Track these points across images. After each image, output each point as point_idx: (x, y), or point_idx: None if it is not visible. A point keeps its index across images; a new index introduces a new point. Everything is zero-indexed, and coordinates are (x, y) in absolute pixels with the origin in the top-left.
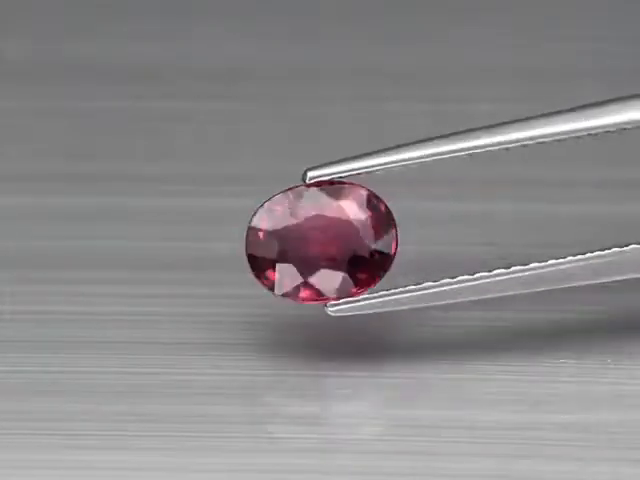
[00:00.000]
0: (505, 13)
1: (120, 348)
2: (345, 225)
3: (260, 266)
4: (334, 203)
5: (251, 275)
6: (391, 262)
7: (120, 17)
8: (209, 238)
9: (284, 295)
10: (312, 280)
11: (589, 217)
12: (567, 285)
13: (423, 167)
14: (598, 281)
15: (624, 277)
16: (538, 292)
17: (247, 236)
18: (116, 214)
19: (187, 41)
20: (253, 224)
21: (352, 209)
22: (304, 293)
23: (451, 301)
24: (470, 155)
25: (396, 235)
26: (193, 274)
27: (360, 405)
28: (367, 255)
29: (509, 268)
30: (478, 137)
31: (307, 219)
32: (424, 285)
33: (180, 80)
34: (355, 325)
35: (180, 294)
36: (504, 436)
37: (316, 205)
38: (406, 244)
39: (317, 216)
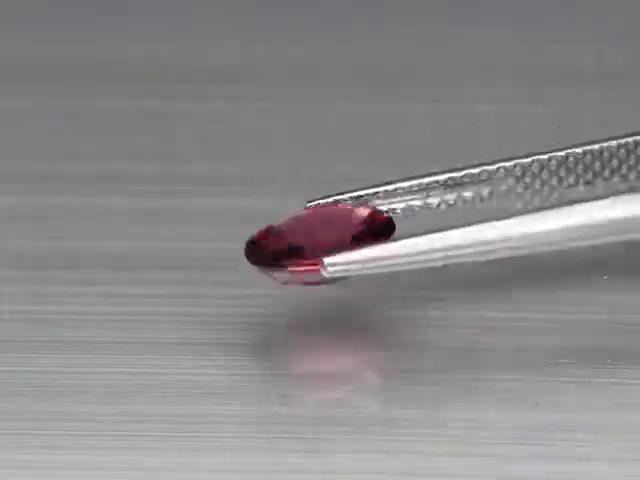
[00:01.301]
0: (505, 13)
1: (120, 348)
2: (344, 216)
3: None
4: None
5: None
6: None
7: (120, 17)
8: (209, 238)
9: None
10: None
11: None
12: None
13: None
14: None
15: (619, 238)
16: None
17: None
18: (116, 214)
19: (187, 41)
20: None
21: (352, 210)
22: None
23: (451, 253)
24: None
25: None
26: (193, 274)
27: (360, 405)
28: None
29: (509, 218)
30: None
31: (306, 215)
32: (422, 238)
33: (180, 80)
34: (355, 325)
35: (180, 294)
36: (504, 436)
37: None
38: None
39: (317, 212)
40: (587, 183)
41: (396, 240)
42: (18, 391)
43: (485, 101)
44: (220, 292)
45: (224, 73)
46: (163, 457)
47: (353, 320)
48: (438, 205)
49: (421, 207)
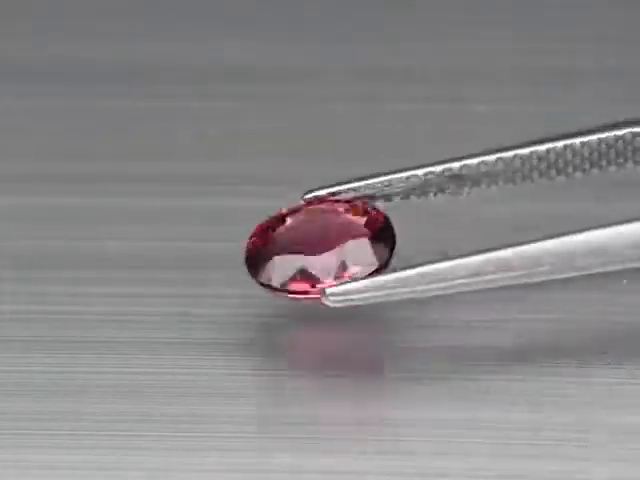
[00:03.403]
0: (505, 13)
1: (120, 348)
2: (342, 225)
3: (256, 263)
4: (332, 211)
5: (249, 277)
6: (388, 261)
7: (120, 17)
8: (209, 238)
9: (281, 287)
10: (308, 268)
11: (589, 217)
12: (568, 273)
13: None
14: (600, 270)
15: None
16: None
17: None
18: (116, 214)
19: (187, 41)
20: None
21: (350, 215)
22: (299, 284)
23: (451, 283)
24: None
25: (394, 243)
26: (193, 274)
27: (360, 405)
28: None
29: (508, 249)
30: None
31: (304, 224)
32: (423, 269)
33: (180, 80)
34: (355, 325)
35: (180, 294)
36: (504, 436)
37: (313, 215)
38: (406, 245)
39: (314, 220)
40: (584, 171)
41: (395, 270)
42: (18, 391)
43: (484, 101)
44: (220, 292)
45: (224, 73)
46: (163, 457)
47: (353, 320)
48: (435, 194)
49: (418, 196)
